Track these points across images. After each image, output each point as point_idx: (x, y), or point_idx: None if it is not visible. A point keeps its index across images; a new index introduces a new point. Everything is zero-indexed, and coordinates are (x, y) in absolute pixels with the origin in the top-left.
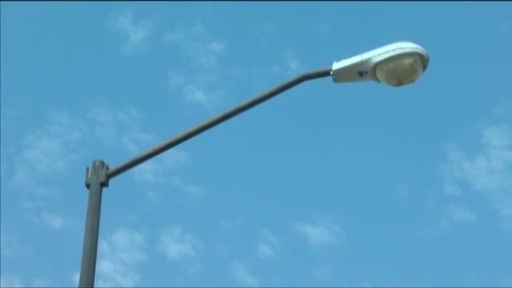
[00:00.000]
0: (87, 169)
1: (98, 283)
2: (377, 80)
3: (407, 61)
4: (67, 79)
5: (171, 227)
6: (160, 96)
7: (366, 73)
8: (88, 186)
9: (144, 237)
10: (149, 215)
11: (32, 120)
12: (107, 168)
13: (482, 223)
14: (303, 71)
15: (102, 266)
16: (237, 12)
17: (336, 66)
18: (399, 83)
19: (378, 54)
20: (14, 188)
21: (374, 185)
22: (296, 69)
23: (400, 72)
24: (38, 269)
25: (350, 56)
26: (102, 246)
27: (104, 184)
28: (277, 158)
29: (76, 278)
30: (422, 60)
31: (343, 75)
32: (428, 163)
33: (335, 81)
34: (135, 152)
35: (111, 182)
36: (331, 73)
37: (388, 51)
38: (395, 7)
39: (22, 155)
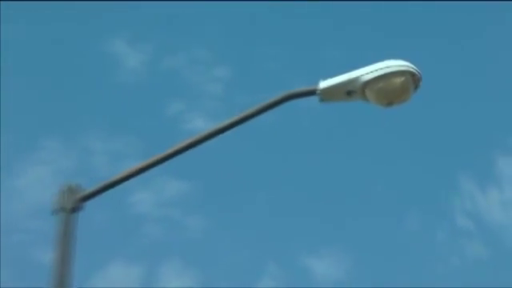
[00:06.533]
0: (57, 194)
1: None
2: (366, 100)
3: (398, 80)
4: (61, 105)
5: (170, 260)
6: (158, 123)
7: (355, 92)
8: (57, 212)
9: (142, 270)
10: (147, 247)
11: (24, 147)
12: (79, 191)
13: (495, 258)
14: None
15: None
16: (242, 35)
17: (323, 84)
18: (390, 103)
19: (366, 73)
20: (4, 219)
21: (381, 215)
22: None
23: (390, 91)
24: None
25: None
26: (97, 278)
27: (75, 209)
28: (280, 187)
29: None
30: (413, 79)
31: (330, 94)
32: (439, 193)
33: (322, 100)
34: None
35: (108, 213)
36: (317, 92)
37: (377, 69)
38: (404, 28)
39: (13, 183)
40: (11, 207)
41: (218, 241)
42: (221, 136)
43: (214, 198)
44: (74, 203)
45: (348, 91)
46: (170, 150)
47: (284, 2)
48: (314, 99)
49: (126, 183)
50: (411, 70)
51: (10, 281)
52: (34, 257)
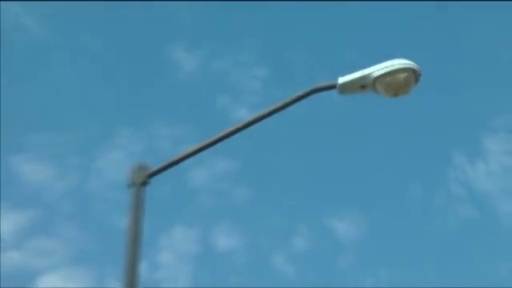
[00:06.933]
0: (129, 171)
1: (159, 271)
2: (376, 92)
3: (402, 75)
4: (133, 100)
5: (221, 224)
6: (210, 113)
7: (367, 86)
8: (130, 186)
9: (198, 232)
10: (203, 213)
11: (104, 134)
12: (147, 169)
13: (483, 219)
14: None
15: (163, 257)
16: (276, 41)
17: (341, 80)
18: (395, 94)
19: (377, 70)
20: (87, 193)
21: (391, 185)
22: None
23: (396, 84)
24: (108, 260)
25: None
26: (163, 239)
27: (144, 183)
28: (307, 163)
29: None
30: (414, 74)
31: (347, 88)
32: (437, 166)
33: (340, 93)
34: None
35: (170, 187)
36: (337, 86)
37: (385, 67)
38: (406, 32)
39: (96, 164)
40: (95, 183)
41: (259, 207)
42: (260, 123)
43: (256, 172)
44: (143, 179)
45: (362, 85)
46: (219, 135)
47: (308, 13)
48: (334, 92)
49: (185, 162)
50: (413, 67)
51: (93, 241)
52: (113, 222)
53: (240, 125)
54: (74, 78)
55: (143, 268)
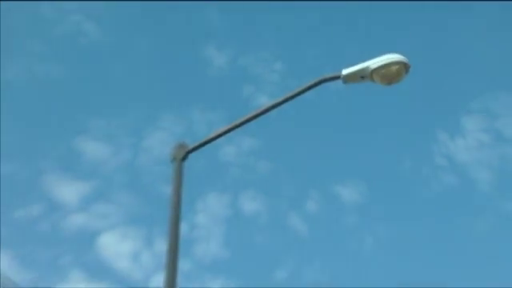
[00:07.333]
0: (172, 148)
1: (196, 231)
2: (373, 81)
3: (395, 67)
4: (174, 91)
5: (247, 191)
6: (237, 100)
7: (366, 76)
8: (173, 161)
9: (228, 198)
10: (232, 183)
11: (150, 118)
12: (186, 147)
13: (462, 184)
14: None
15: (199, 219)
16: (291, 41)
17: (344, 72)
18: (389, 83)
19: (374, 63)
20: (137, 166)
21: (386, 158)
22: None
23: (390, 75)
24: (155, 222)
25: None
26: (199, 204)
27: (184, 158)
28: (317, 140)
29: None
30: (405, 66)
31: (349, 78)
32: (423, 142)
33: (344, 82)
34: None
35: (205, 161)
36: (341, 77)
37: (381, 61)
38: (398, 31)
39: (144, 143)
40: (144, 158)
41: (278, 177)
42: (278, 108)
43: (276, 149)
44: (183, 155)
45: (361, 76)
46: (245, 118)
47: (317, 17)
48: (339, 82)
49: (217, 141)
50: (403, 60)
51: (143, 206)
52: (158, 190)
53: (261, 109)
54: (126, 72)
55: (183, 227)
